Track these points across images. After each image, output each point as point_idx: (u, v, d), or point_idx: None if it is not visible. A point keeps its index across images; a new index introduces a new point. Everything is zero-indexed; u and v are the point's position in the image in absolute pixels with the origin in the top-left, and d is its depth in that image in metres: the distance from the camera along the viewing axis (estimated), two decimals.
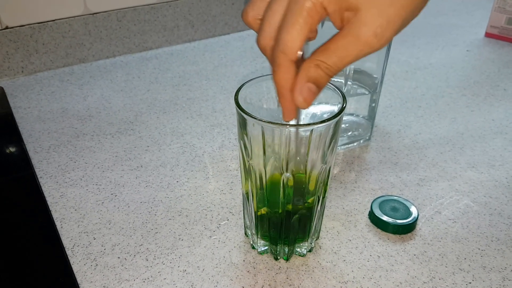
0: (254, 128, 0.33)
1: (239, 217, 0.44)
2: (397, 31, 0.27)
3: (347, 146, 0.54)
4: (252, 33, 0.83)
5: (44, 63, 0.69)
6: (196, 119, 0.59)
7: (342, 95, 0.35)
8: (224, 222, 0.44)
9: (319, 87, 0.29)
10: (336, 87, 0.36)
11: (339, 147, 0.54)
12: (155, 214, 0.45)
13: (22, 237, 0.42)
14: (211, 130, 0.57)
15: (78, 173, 0.50)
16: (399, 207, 0.44)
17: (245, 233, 0.42)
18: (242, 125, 0.34)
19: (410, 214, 0.44)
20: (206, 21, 0.79)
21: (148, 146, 0.54)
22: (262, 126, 0.33)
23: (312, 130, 0.33)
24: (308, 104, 0.29)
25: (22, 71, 0.68)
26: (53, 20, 0.68)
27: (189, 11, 0.77)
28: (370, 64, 0.51)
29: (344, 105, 0.34)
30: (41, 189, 0.47)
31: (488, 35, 0.84)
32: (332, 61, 0.28)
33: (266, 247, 0.40)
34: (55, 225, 0.43)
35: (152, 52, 0.76)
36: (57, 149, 0.53)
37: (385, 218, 0.43)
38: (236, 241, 0.42)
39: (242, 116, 0.33)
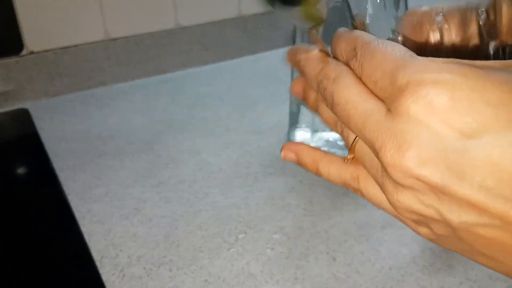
0: None
1: (255, 230, 0.47)
2: None
3: None
4: (262, 56, 0.86)
5: (66, 86, 0.73)
6: (211, 138, 0.62)
7: None
8: (242, 235, 0.46)
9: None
10: None
11: None
12: (176, 228, 0.47)
13: (54, 250, 0.45)
14: (225, 148, 0.60)
15: (102, 190, 0.53)
16: None
17: None
18: None
19: None
20: (219, 45, 0.83)
21: (167, 164, 0.57)
22: None
23: None
24: None
25: (46, 94, 0.72)
26: (75, 46, 0.71)
27: (203, 35, 0.81)
28: None
29: None
30: (70, 205, 0.50)
31: None
32: None
33: None
34: (84, 238, 0.45)
35: (168, 75, 0.79)
36: (82, 168, 0.56)
37: None
38: (253, 253, 0.44)
39: None
